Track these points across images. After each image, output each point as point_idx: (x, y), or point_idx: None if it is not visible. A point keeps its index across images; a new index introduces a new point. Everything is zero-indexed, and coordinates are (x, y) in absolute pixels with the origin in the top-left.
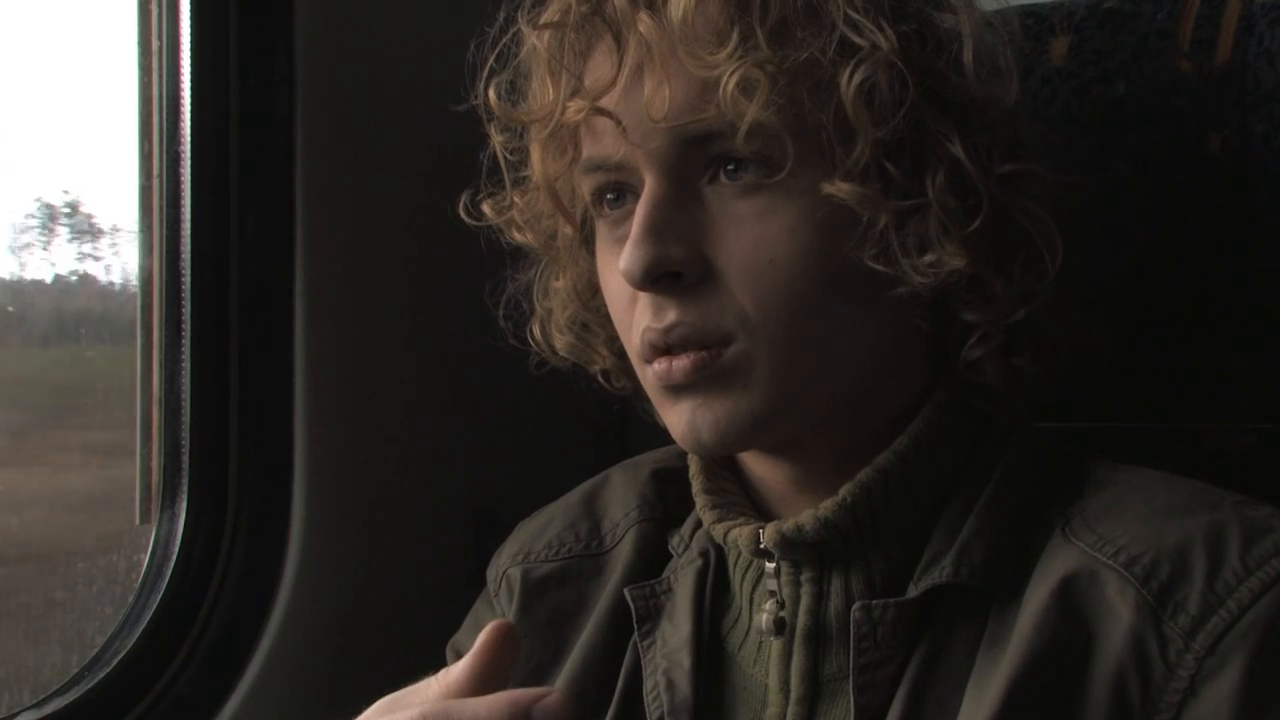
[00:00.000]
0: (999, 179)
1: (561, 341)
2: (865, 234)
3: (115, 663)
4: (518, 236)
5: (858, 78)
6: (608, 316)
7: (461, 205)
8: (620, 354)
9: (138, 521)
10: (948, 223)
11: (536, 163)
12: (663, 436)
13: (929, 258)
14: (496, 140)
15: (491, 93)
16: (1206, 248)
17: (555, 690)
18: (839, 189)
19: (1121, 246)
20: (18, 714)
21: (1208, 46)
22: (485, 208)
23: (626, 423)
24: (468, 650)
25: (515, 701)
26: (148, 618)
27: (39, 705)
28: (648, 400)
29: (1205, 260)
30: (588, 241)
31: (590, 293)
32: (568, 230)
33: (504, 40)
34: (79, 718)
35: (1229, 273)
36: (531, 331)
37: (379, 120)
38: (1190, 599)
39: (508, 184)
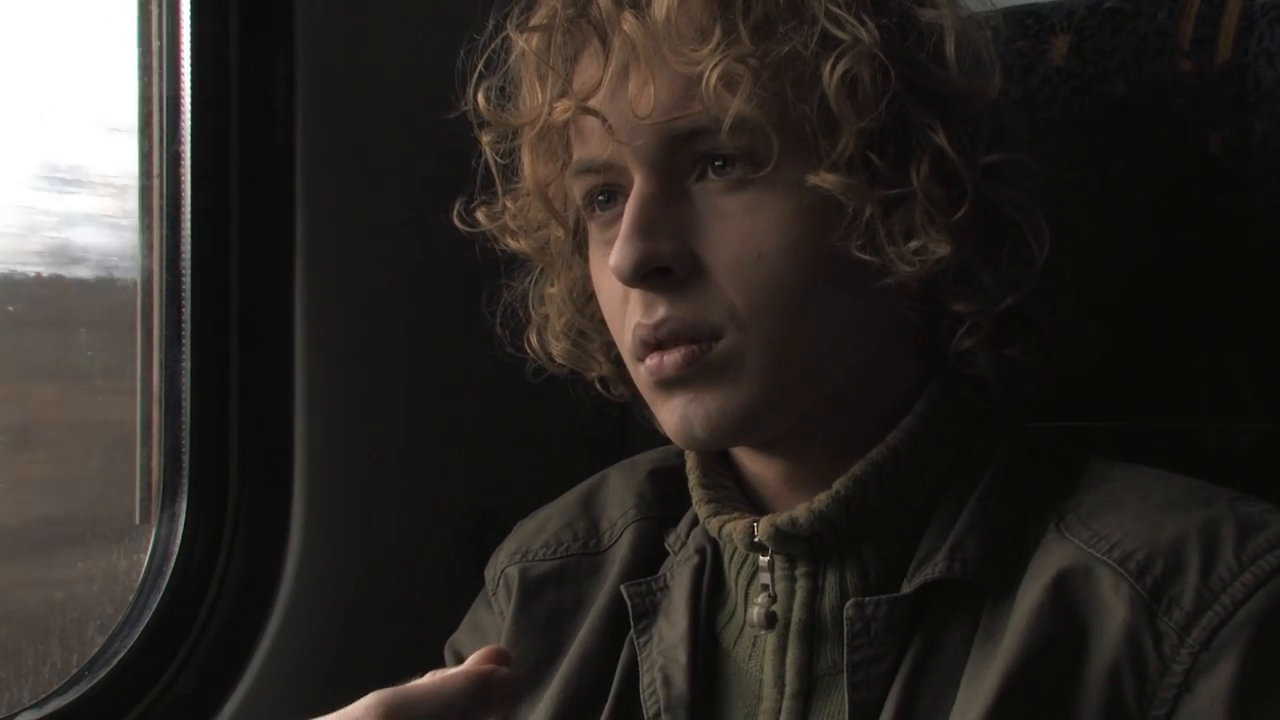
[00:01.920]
0: (984, 169)
1: (558, 348)
2: (851, 224)
3: (115, 663)
4: (511, 243)
5: (840, 69)
6: (603, 322)
7: (455, 213)
8: (616, 360)
9: (137, 521)
10: (933, 211)
11: (527, 167)
12: (661, 437)
13: (914, 245)
14: (487, 145)
15: (480, 97)
16: (1207, 247)
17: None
18: (824, 180)
19: (1121, 246)
20: (17, 714)
21: (1208, 46)
22: (479, 215)
23: (625, 424)
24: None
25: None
26: (148, 618)
27: (39, 705)
28: (645, 406)
29: (1205, 260)
30: (580, 247)
31: (585, 298)
32: (560, 234)
33: (493, 45)
34: (79, 718)
35: (1229, 272)
36: (528, 339)
37: (379, 121)
38: (1185, 594)
39: (499, 190)
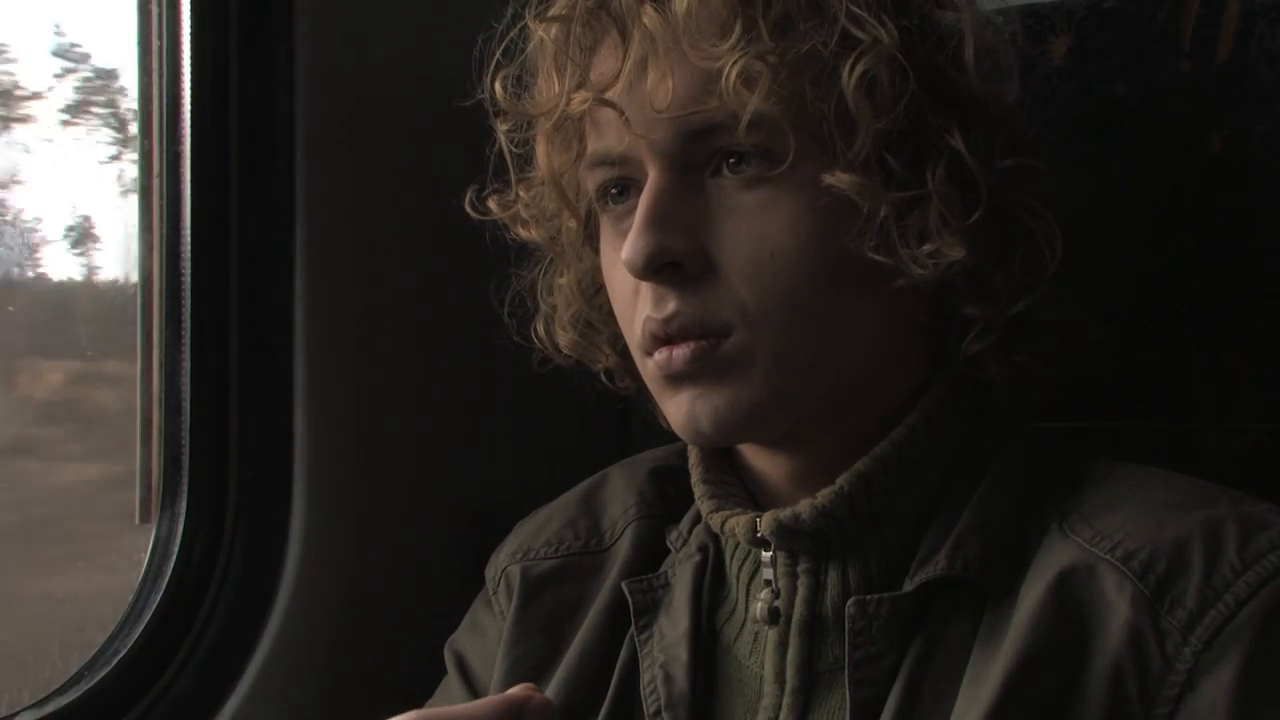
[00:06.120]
0: (999, 173)
1: (565, 339)
2: (865, 225)
3: (115, 663)
4: (522, 232)
5: (859, 69)
6: (611, 315)
7: (467, 200)
8: (623, 353)
9: (138, 521)
10: (947, 214)
11: (542, 157)
12: (662, 436)
13: (928, 248)
14: (502, 132)
15: (498, 86)
16: (1206, 248)
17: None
18: (839, 179)
19: (1122, 246)
20: (17, 714)
21: (1208, 46)
22: (491, 203)
23: (627, 422)
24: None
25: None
26: (148, 618)
27: (39, 705)
28: (650, 400)
29: (1205, 260)
30: (591, 238)
31: (594, 290)
32: (572, 224)
33: (511, 35)
34: (79, 718)
35: (1229, 272)
36: (535, 329)
37: (379, 120)
38: (1187, 593)
39: (513, 179)
